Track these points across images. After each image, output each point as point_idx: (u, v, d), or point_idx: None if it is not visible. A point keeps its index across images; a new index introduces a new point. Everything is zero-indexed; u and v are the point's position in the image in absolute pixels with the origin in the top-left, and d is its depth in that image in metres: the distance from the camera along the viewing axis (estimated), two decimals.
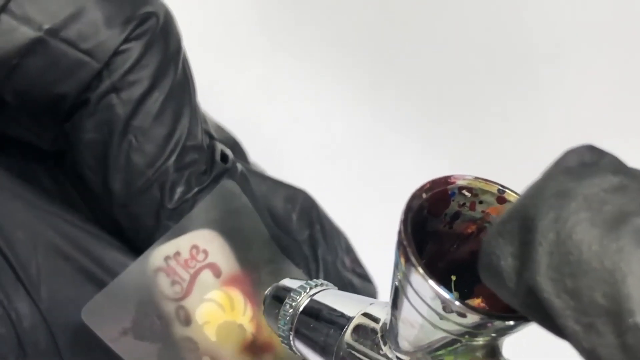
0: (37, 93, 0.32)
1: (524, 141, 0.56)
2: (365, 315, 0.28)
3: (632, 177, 0.20)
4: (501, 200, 0.24)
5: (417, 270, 0.22)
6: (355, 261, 0.39)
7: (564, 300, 0.19)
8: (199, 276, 0.33)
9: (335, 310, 0.29)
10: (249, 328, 0.34)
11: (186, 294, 0.33)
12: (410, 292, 0.23)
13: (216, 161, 0.35)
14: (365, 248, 0.42)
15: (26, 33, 0.31)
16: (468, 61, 0.57)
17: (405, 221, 0.23)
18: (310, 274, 0.36)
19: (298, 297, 0.30)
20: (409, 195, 0.24)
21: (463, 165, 0.57)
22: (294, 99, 0.57)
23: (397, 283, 0.24)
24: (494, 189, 0.24)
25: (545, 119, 0.57)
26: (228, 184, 0.34)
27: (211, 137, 0.35)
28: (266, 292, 0.31)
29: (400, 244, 0.23)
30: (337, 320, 0.28)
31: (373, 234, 0.48)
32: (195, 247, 0.33)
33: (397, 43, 0.58)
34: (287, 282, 0.31)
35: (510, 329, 0.23)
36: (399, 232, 0.23)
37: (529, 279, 0.20)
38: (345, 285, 0.37)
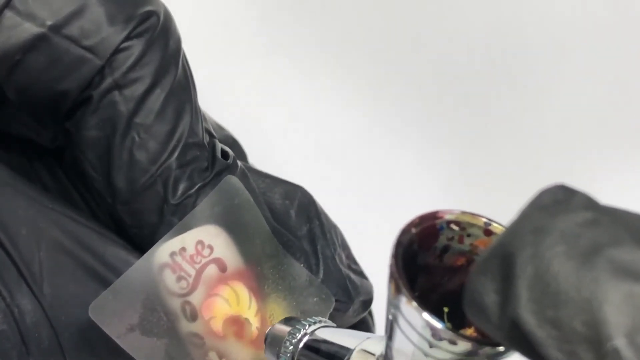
0: (40, 90, 0.32)
1: (523, 141, 0.57)
2: (362, 350, 0.29)
3: (604, 212, 0.21)
4: (488, 232, 0.25)
5: (408, 300, 0.23)
6: (350, 257, 0.39)
7: (545, 330, 0.20)
8: (204, 271, 0.33)
9: (333, 344, 0.30)
10: (254, 322, 0.34)
11: (192, 289, 0.33)
12: (402, 322, 0.24)
13: (217, 158, 0.35)
14: (364, 248, 0.42)
15: (30, 29, 0.31)
16: (467, 61, 0.57)
17: (395, 255, 0.24)
18: (311, 269, 0.36)
19: (298, 334, 0.31)
20: (399, 231, 0.25)
21: (462, 165, 0.57)
22: (293, 99, 0.57)
23: (390, 315, 0.24)
24: (481, 222, 0.25)
25: (545, 120, 0.57)
26: (231, 179, 0.34)
27: (211, 135, 0.35)
28: (267, 332, 0.32)
29: (391, 277, 0.24)
30: (336, 355, 0.29)
31: (372, 233, 0.48)
32: (200, 242, 0.33)
33: (397, 43, 0.58)
34: (286, 320, 0.32)
35: (500, 355, 0.23)
36: (390, 265, 0.24)
37: (512, 313, 0.21)
38: (344, 280, 0.38)
